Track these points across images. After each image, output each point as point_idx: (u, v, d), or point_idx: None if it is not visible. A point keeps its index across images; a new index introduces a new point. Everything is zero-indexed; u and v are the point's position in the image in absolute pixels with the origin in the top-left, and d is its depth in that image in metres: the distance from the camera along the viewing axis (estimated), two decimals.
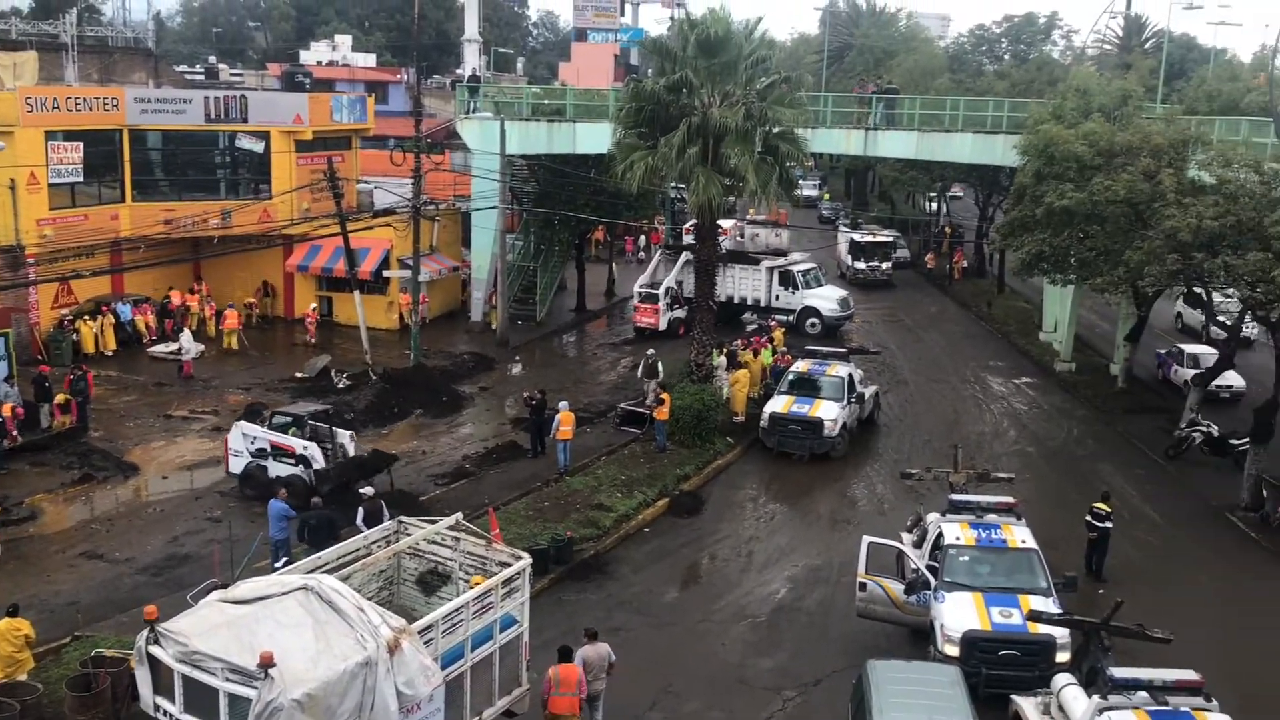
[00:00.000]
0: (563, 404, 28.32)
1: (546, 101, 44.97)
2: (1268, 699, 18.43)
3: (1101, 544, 22.89)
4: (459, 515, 16.94)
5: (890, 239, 58.51)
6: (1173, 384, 37.33)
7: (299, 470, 24.78)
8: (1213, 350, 35.36)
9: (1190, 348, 37.84)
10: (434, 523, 16.65)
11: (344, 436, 26.10)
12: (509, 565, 15.65)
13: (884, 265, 56.08)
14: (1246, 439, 28.05)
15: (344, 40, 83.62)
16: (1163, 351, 39.09)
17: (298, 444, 25.13)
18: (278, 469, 25.05)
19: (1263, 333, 27.14)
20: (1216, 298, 30.62)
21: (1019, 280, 48.18)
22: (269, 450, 25.32)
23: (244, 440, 25.70)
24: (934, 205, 70.58)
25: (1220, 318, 32.98)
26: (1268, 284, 23.74)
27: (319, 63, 74.06)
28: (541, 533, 22.92)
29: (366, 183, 45.65)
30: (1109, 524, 22.86)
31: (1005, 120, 41.21)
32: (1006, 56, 78.09)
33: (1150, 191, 28.10)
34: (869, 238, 57.23)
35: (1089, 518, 23.03)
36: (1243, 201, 25.38)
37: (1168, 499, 27.96)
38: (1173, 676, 14.32)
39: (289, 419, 25.91)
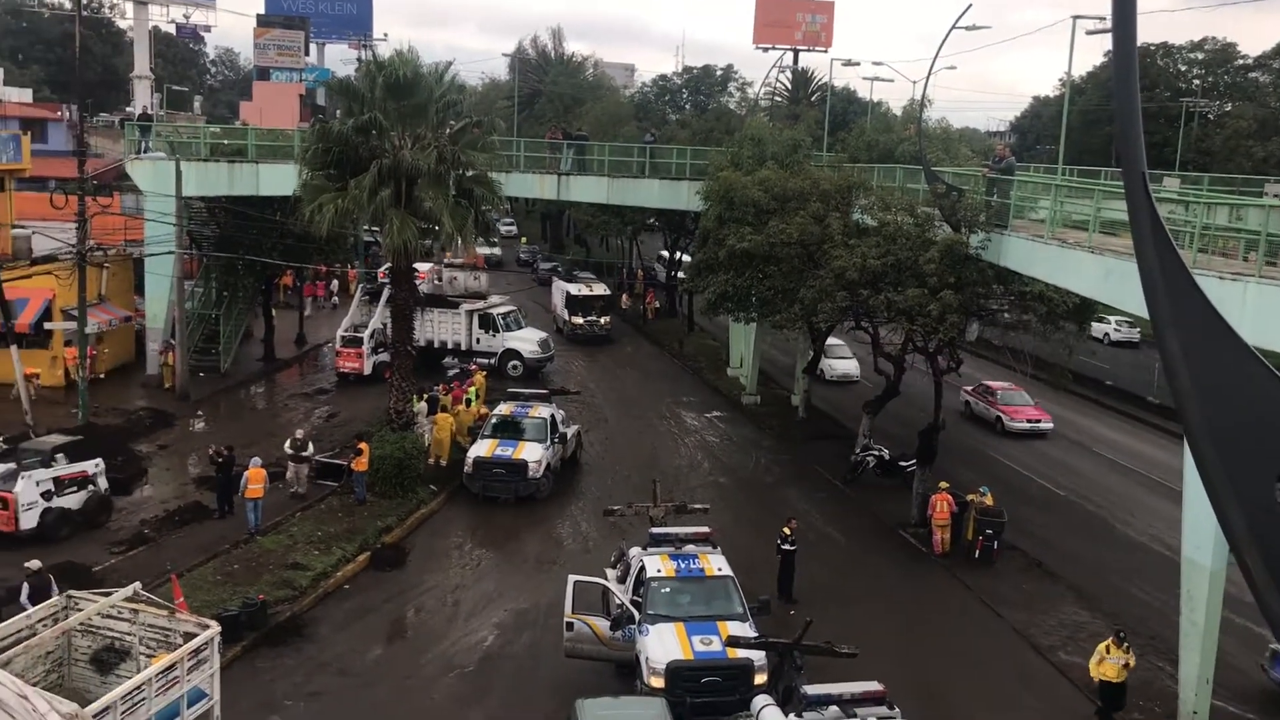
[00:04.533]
0: (253, 460, 27.00)
1: (226, 141, 43.13)
2: (943, 699, 20.07)
3: (789, 566, 24.18)
4: (137, 585, 15.76)
5: (607, 291, 56.37)
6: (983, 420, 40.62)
7: (87, 493, 25.98)
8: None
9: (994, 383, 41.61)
10: (109, 595, 15.38)
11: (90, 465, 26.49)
12: (195, 635, 14.69)
13: (602, 320, 54.10)
14: (914, 461, 30.53)
15: None
16: (969, 388, 42.10)
17: (89, 465, 26.19)
18: (63, 502, 25.50)
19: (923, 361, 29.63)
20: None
21: (707, 319, 50.48)
22: (52, 489, 25.36)
23: (36, 489, 25.08)
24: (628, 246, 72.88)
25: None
26: (924, 317, 26.00)
27: None
28: (231, 598, 21.69)
29: (23, 227, 41.93)
30: (794, 546, 24.20)
31: (689, 167, 43.26)
32: (688, 106, 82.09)
33: (820, 233, 30.20)
34: (585, 291, 54.92)
35: (778, 541, 24.28)
36: (900, 242, 27.72)
37: (847, 519, 29.94)
38: (859, 689, 15.27)
39: (36, 456, 25.77)
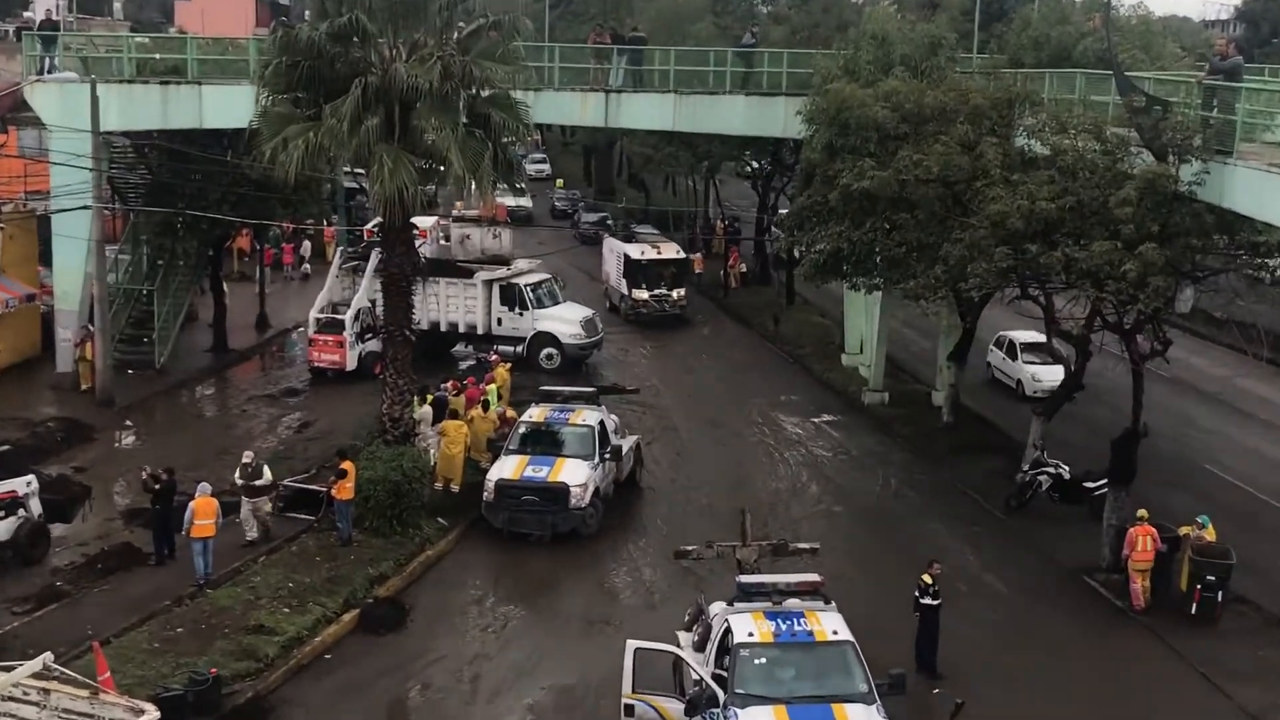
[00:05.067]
0: (200, 486, 27.28)
1: (158, 56, 43.58)
2: None
3: (931, 627, 24.01)
4: (48, 657, 16.06)
5: (681, 254, 56.46)
6: None
7: (17, 520, 27.03)
8: None
9: None
10: (10, 670, 15.70)
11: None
12: None
13: (675, 293, 53.81)
14: (1104, 481, 30.13)
15: None
16: None
17: (18, 484, 27.19)
18: None
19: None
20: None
21: (813, 287, 50.20)
22: None
23: None
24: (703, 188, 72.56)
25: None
26: (1118, 280, 25.60)
27: None
28: (174, 672, 21.95)
29: None
30: (937, 600, 24.01)
31: (786, 78, 42.93)
32: None
33: (970, 167, 29.84)
34: (650, 253, 54.50)
35: (915, 594, 24.12)
36: (1083, 177, 27.31)
37: (1011, 562, 29.69)
38: None
39: None
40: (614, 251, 56.34)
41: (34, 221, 43.49)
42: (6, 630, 24.07)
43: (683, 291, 54.22)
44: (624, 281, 54.26)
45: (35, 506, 27.71)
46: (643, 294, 53.41)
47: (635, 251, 54.57)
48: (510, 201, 65.07)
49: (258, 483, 29.26)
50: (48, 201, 41.06)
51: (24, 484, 27.46)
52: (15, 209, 42.82)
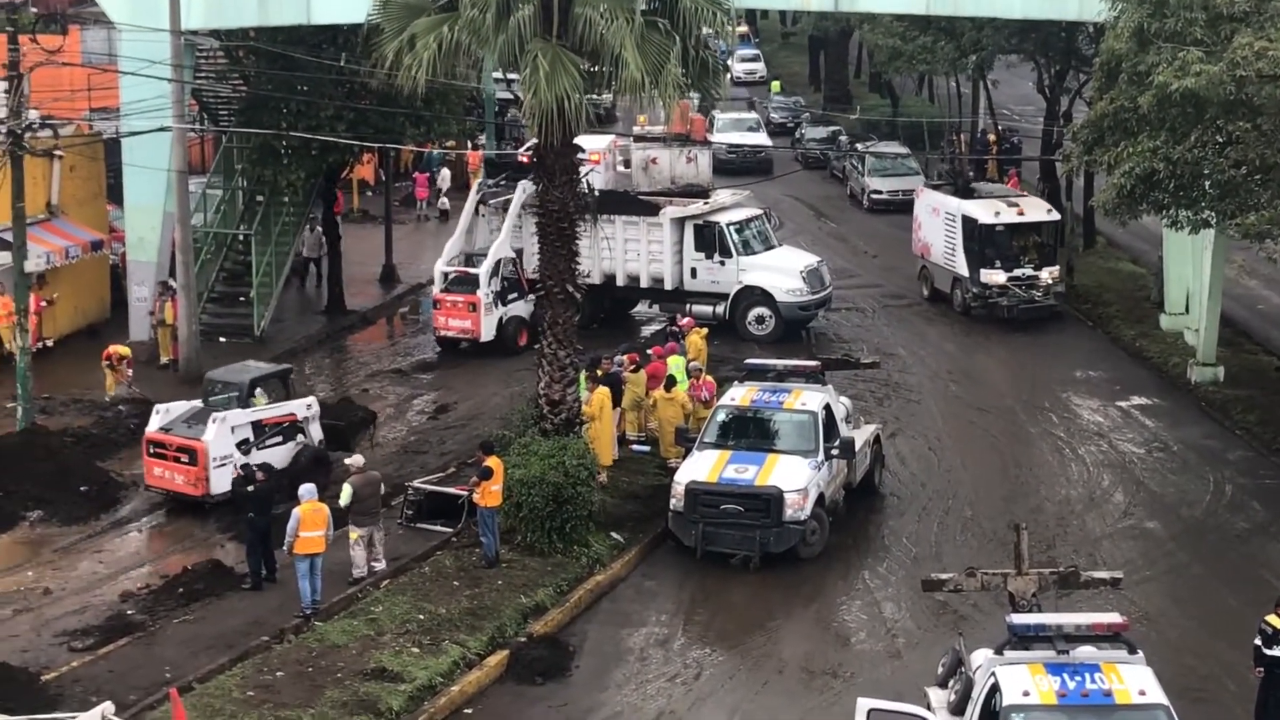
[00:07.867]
0: (305, 489, 27.49)
1: None
2: None
3: (1277, 687, 23.19)
4: (108, 707, 16.47)
5: (1051, 215, 51.15)
6: None
7: (296, 446, 32.68)
8: None
9: None
10: None
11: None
12: None
13: (1045, 274, 48.61)
14: None
15: None
16: None
17: (298, 406, 33.29)
18: (265, 457, 31.01)
19: None
20: None
21: (1117, 224, 49.15)
22: (251, 438, 32.02)
23: (231, 438, 31.49)
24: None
25: None
26: None
27: None
28: None
29: None
30: None
31: None
32: None
33: None
34: (1007, 215, 49.22)
35: (1257, 642, 23.44)
36: None
37: None
38: None
39: (230, 390, 32.79)
40: (941, 212, 51.19)
41: (100, 148, 44.41)
42: (64, 671, 24.68)
43: (1056, 272, 49.39)
44: (963, 257, 49.18)
45: (316, 431, 33.34)
46: (997, 276, 48.23)
47: (984, 212, 49.14)
48: (737, 137, 64.73)
49: (362, 504, 28.35)
50: (117, 122, 41.86)
51: (304, 407, 33.29)
52: (76, 132, 43.48)
